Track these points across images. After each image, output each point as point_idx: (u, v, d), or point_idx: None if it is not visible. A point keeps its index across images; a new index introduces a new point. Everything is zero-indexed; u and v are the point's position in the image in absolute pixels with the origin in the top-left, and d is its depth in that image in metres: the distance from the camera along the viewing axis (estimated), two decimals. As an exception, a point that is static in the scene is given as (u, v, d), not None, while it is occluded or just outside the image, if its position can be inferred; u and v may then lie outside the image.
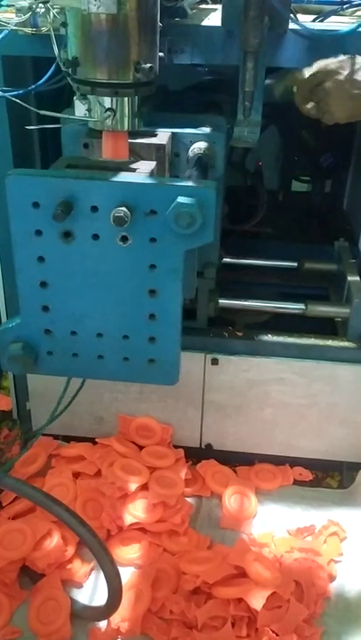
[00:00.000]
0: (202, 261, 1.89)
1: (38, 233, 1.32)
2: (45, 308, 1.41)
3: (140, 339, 1.43)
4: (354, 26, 1.52)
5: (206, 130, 1.66)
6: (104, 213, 1.27)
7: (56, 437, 2.17)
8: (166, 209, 1.25)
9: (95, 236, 1.31)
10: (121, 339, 1.43)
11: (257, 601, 1.61)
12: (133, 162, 1.46)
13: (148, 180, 1.33)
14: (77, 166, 1.40)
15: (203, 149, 1.63)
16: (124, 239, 1.29)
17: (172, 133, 1.62)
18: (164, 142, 1.54)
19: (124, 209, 1.23)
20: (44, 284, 1.38)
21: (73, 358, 1.47)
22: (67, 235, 1.30)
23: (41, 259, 1.35)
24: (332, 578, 1.77)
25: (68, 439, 2.16)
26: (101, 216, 1.28)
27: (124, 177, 1.32)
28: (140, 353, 1.45)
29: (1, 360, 1.48)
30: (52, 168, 1.42)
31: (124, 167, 1.40)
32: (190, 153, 1.64)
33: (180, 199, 1.24)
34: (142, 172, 1.40)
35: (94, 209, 1.28)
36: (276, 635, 1.59)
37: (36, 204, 1.28)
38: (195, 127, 1.70)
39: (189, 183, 1.31)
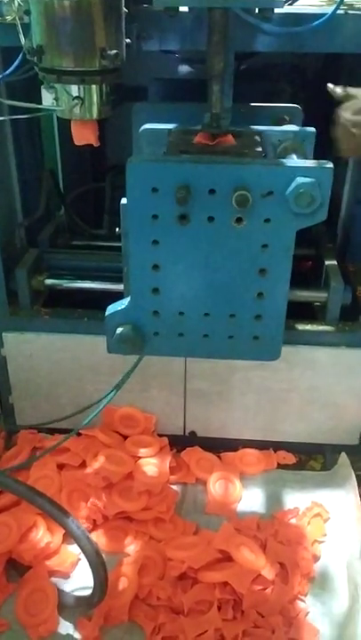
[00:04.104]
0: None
1: (155, 217, 1.38)
2: (155, 291, 1.49)
3: (247, 317, 1.51)
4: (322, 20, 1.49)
5: (296, 128, 1.62)
6: (221, 196, 1.33)
7: (40, 430, 2.17)
8: (284, 189, 1.31)
9: (210, 219, 1.37)
10: (228, 317, 1.51)
11: (242, 584, 1.63)
12: (241, 145, 1.49)
13: (266, 162, 1.39)
14: (189, 151, 1.45)
15: (292, 148, 1.55)
16: (239, 220, 1.35)
17: (259, 132, 1.58)
18: None
19: (245, 191, 1.29)
20: (156, 267, 1.45)
21: (179, 338, 1.56)
22: (183, 218, 1.36)
23: (155, 242, 1.42)
24: (316, 558, 1.79)
25: (51, 431, 2.15)
26: (218, 199, 1.34)
27: (241, 160, 1.37)
28: (246, 331, 1.53)
29: (109, 342, 1.56)
30: (167, 154, 1.47)
31: (233, 150, 1.44)
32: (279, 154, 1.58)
33: (300, 179, 1.29)
34: (254, 154, 1.44)
35: (212, 192, 1.34)
36: (262, 616, 1.61)
37: (154, 189, 1.34)
38: (271, 118, 1.68)
39: (307, 163, 1.34)
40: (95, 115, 1.39)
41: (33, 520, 1.80)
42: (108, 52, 1.28)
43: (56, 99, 1.36)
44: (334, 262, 2.03)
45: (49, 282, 2.08)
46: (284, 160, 1.47)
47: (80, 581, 1.73)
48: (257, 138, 1.56)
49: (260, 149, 1.48)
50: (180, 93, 1.88)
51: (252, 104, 1.71)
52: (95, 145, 1.44)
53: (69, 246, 2.33)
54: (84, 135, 1.41)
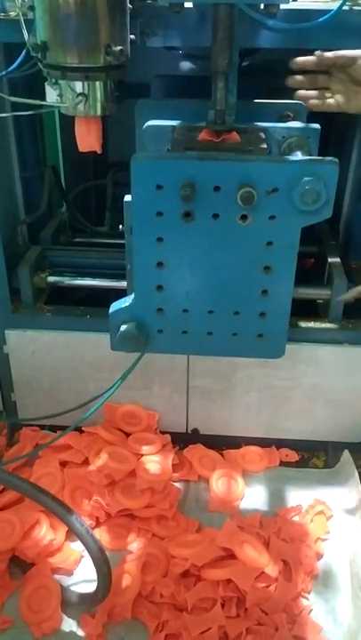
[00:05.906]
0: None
1: (159, 214, 1.37)
2: (160, 288, 1.48)
3: (251, 314, 1.51)
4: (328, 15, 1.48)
5: (301, 124, 1.60)
6: (226, 193, 1.32)
7: (42, 427, 2.17)
8: (289, 186, 1.30)
9: (215, 216, 1.37)
10: (232, 315, 1.51)
11: (245, 581, 1.63)
12: (245, 142, 1.48)
13: (272, 159, 1.39)
14: (193, 148, 1.44)
15: (296, 145, 1.53)
16: (244, 218, 1.35)
17: (264, 129, 1.56)
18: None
19: (250, 188, 1.28)
20: (160, 265, 1.45)
21: (182, 336, 1.55)
22: (187, 215, 1.36)
23: (160, 239, 1.41)
24: (319, 556, 1.79)
25: (54, 429, 2.15)
26: (223, 196, 1.33)
27: (246, 157, 1.36)
28: (250, 328, 1.53)
29: (113, 339, 1.56)
30: (172, 151, 1.47)
31: (238, 147, 1.43)
32: (283, 151, 1.57)
33: (306, 176, 1.28)
34: (259, 151, 1.43)
35: (216, 189, 1.33)
36: (266, 614, 1.62)
37: (159, 187, 1.33)
38: (274, 114, 1.66)
39: (312, 160, 1.34)
40: (99, 112, 1.38)
41: (36, 517, 1.80)
42: (113, 48, 1.27)
43: (60, 95, 1.35)
44: (337, 259, 2.02)
45: (51, 279, 2.07)
46: (287, 157, 1.45)
47: (83, 578, 1.73)
48: (262, 135, 1.55)
49: (264, 146, 1.48)
50: (183, 90, 1.87)
51: (256, 100, 1.70)
52: (98, 152, 1.43)
53: (71, 243, 2.32)
54: (88, 140, 1.40)
